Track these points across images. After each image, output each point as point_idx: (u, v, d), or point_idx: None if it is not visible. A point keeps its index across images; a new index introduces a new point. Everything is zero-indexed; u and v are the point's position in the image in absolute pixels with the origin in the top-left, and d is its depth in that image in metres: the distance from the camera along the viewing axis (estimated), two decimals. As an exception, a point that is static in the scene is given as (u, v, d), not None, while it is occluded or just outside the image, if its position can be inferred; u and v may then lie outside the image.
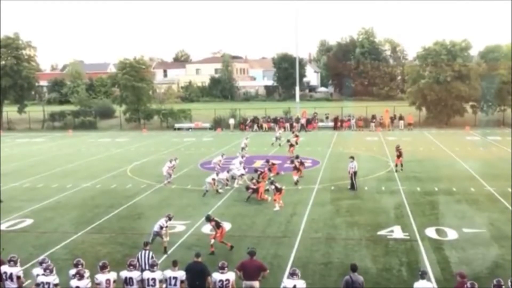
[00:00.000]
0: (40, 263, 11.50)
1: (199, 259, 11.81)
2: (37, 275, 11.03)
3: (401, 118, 51.99)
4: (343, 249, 15.90)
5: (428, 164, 30.45)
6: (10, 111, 61.52)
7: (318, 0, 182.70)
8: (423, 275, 10.89)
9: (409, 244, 16.17)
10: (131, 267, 11.20)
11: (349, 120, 53.32)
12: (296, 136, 39.90)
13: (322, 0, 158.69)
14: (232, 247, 15.71)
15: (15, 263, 11.37)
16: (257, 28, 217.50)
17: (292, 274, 10.75)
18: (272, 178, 23.03)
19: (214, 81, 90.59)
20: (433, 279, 13.10)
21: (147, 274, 11.13)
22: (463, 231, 17.25)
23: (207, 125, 55.62)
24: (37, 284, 10.84)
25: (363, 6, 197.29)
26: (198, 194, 23.41)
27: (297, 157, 28.16)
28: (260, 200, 21.77)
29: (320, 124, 54.35)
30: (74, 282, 10.65)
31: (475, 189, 23.67)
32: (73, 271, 11.00)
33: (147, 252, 12.37)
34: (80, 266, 11.10)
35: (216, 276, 11.09)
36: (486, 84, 51.57)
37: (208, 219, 15.88)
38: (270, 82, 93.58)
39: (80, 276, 10.63)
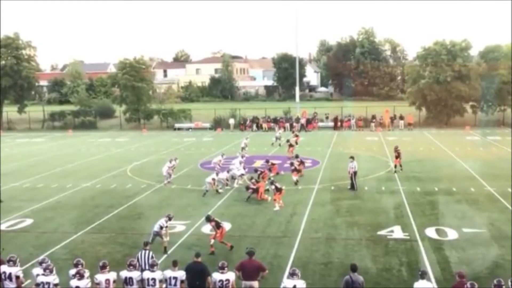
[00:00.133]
0: (40, 263, 11.50)
1: (199, 259, 11.81)
2: (37, 275, 11.03)
3: (401, 118, 51.99)
4: (343, 249, 15.89)
5: (428, 164, 30.45)
6: (10, 111, 61.53)
7: (318, 0, 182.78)
8: (423, 275, 10.89)
9: (409, 244, 16.17)
10: (131, 267, 11.20)
11: (349, 120, 53.32)
12: (296, 136, 39.93)
13: (322, 0, 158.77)
14: (232, 247, 15.71)
15: (14, 263, 11.36)
16: (257, 28, 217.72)
17: (292, 274, 10.74)
18: (272, 178, 23.03)
19: (214, 81, 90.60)
20: (433, 279, 13.10)
21: (147, 274, 11.13)
22: (463, 231, 17.25)
23: (207, 125, 55.63)
24: (37, 284, 10.83)
25: (363, 6, 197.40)
26: (198, 194, 23.41)
27: (296, 156, 28.18)
28: (260, 200, 21.77)
29: (320, 124, 54.35)
30: (74, 282, 10.65)
31: (475, 189, 23.67)
32: (73, 271, 11.00)
33: (147, 252, 12.37)
34: (80, 266, 11.09)
35: (216, 276, 11.09)
36: (486, 84, 51.58)
37: (208, 219, 15.88)
38: (270, 82, 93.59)
39: (80, 276, 10.63)
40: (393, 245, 16.13)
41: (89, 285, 10.72)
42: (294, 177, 25.10)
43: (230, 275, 11.15)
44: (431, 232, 17.26)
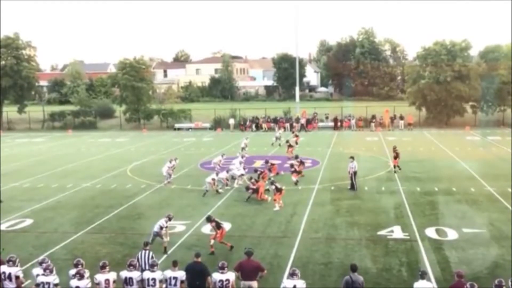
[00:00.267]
0: (40, 263, 11.49)
1: (199, 259, 11.81)
2: (37, 275, 11.03)
3: (401, 118, 51.99)
4: (343, 249, 15.89)
5: (428, 164, 30.45)
6: (10, 111, 61.51)
7: (318, 0, 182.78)
8: (423, 275, 10.89)
9: (409, 244, 16.17)
10: (131, 267, 11.20)
11: (349, 120, 53.32)
12: (296, 136, 39.94)
13: (322, 0, 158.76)
14: (232, 247, 15.71)
15: (14, 263, 11.36)
16: (257, 28, 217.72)
17: (292, 275, 10.74)
18: (272, 178, 23.03)
19: (214, 81, 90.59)
20: (433, 279, 13.10)
21: (147, 274, 11.13)
22: (463, 231, 17.25)
23: (207, 125, 55.62)
24: (37, 284, 10.84)
25: (363, 6, 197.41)
26: (198, 194, 23.41)
27: (296, 157, 28.16)
28: (260, 200, 21.77)
29: (320, 124, 54.34)
30: (74, 282, 10.65)
31: (475, 189, 23.67)
32: (73, 271, 11.00)
33: (147, 252, 12.37)
34: (80, 266, 11.10)
35: (216, 276, 11.09)
36: (486, 84, 51.58)
37: (209, 219, 15.89)
38: (270, 82, 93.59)
39: (80, 276, 10.63)
40: (393, 245, 16.13)
41: (89, 285, 10.72)
42: (294, 178, 25.09)
43: (230, 275, 11.15)
44: (431, 232, 17.26)
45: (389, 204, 21.16)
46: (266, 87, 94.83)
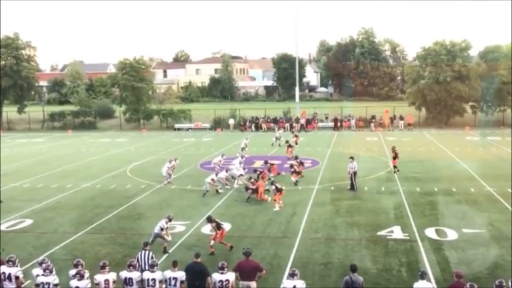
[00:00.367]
0: (40, 264, 11.50)
1: (199, 260, 11.82)
2: (37, 275, 11.03)
3: (401, 118, 51.98)
4: (343, 249, 15.89)
5: (428, 165, 30.44)
6: (10, 111, 61.50)
7: (318, 0, 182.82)
8: (423, 276, 10.90)
9: (409, 245, 16.17)
10: (131, 267, 11.20)
11: (349, 120, 53.32)
12: (296, 136, 39.94)
13: (322, 0, 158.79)
14: (231, 247, 15.71)
15: (14, 263, 11.37)
16: (257, 28, 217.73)
17: (292, 275, 10.74)
18: (272, 179, 23.03)
19: (214, 81, 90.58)
20: (432, 280, 13.10)
21: (147, 275, 11.13)
22: (462, 231, 17.25)
23: (207, 125, 55.61)
24: (37, 285, 10.84)
25: (363, 6, 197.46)
26: (198, 195, 23.41)
27: (296, 157, 28.15)
28: (260, 200, 21.76)
29: (320, 124, 54.34)
30: (74, 282, 10.65)
31: (475, 189, 23.67)
32: (73, 272, 11.00)
33: (147, 252, 12.37)
34: (80, 266, 11.10)
35: (216, 276, 11.09)
36: (486, 84, 51.57)
37: (209, 220, 15.89)
38: (270, 82, 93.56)
39: (81, 276, 10.63)
40: (393, 246, 16.13)
41: (89, 285, 10.72)
42: (294, 179, 25.09)
43: (230, 276, 11.16)
44: (431, 232, 17.26)
45: (389, 205, 21.16)
46: (266, 87, 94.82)
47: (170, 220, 15.99)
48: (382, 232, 17.39)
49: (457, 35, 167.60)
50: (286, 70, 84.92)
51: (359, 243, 16.44)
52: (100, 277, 10.91)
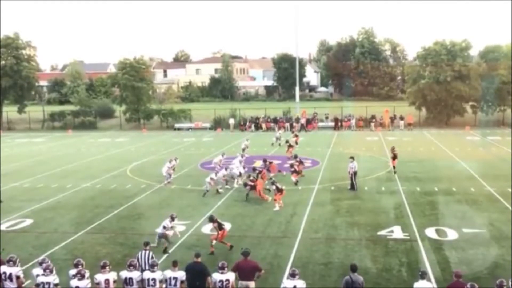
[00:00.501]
0: (40, 263, 11.50)
1: (199, 260, 11.82)
2: (37, 275, 11.03)
3: (401, 118, 51.97)
4: (343, 249, 15.89)
5: (428, 164, 30.44)
6: (10, 111, 61.51)
7: (318, 0, 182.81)
8: (423, 275, 10.90)
9: (409, 244, 16.17)
10: (131, 267, 11.20)
11: (349, 120, 53.31)
12: (296, 136, 39.92)
13: (322, 0, 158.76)
14: (231, 246, 15.71)
15: (14, 263, 11.37)
16: (257, 28, 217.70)
17: (292, 275, 10.74)
18: (273, 179, 22.99)
19: (214, 81, 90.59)
20: (433, 279, 13.11)
21: (147, 274, 11.13)
22: (463, 231, 17.24)
23: (207, 125, 55.62)
24: (37, 284, 10.84)
25: (363, 6, 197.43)
26: (198, 194, 23.42)
27: (295, 157, 28.13)
28: (260, 200, 21.73)
29: (320, 124, 54.34)
30: (74, 282, 10.65)
31: (475, 189, 23.67)
32: (73, 271, 11.00)
33: (147, 252, 12.37)
34: (80, 266, 11.10)
35: (216, 276, 11.09)
36: (486, 84, 51.58)
37: (211, 219, 15.89)
38: (270, 82, 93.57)
39: (81, 276, 10.63)
40: (393, 245, 16.13)
41: (89, 285, 10.72)
42: (294, 178, 25.09)
43: (230, 275, 11.16)
44: (431, 232, 17.26)
45: (389, 204, 21.16)
46: (266, 87, 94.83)
47: (173, 219, 16.05)
48: (382, 232, 17.39)
49: (457, 35, 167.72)
50: (286, 70, 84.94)
51: (359, 243, 16.43)
52: (100, 277, 10.91)
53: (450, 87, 51.02)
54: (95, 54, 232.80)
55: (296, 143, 37.16)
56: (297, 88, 61.84)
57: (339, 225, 18.38)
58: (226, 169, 24.95)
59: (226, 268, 11.14)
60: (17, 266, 11.46)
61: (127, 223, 19.30)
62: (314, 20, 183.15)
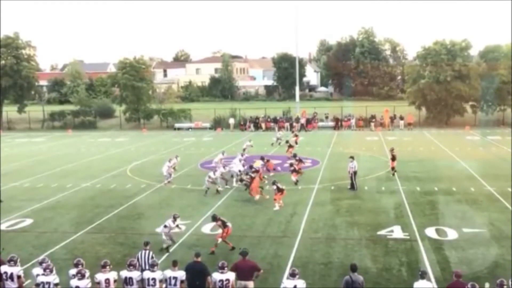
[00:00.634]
0: (40, 263, 11.49)
1: (199, 259, 11.82)
2: (37, 275, 11.03)
3: (401, 118, 51.97)
4: (343, 249, 15.89)
5: (428, 164, 30.44)
6: (10, 111, 61.52)
7: (318, 0, 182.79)
8: (423, 275, 10.89)
9: (409, 244, 16.17)
10: (131, 267, 11.20)
11: (349, 120, 53.31)
12: (296, 136, 39.92)
13: (322, 0, 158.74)
14: (233, 248, 15.67)
15: (15, 263, 11.37)
16: (257, 28, 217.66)
17: (292, 275, 10.74)
18: (274, 179, 22.96)
19: (214, 81, 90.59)
20: (433, 279, 13.11)
21: (147, 274, 11.13)
22: (463, 231, 17.25)
23: (207, 125, 55.62)
24: (37, 284, 10.84)
25: (363, 6, 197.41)
26: (198, 194, 23.42)
27: (294, 155, 28.11)
28: (259, 200, 21.72)
29: (320, 124, 54.33)
30: (74, 282, 10.65)
31: (475, 189, 23.67)
32: (73, 271, 11.00)
33: (147, 252, 12.37)
34: (80, 266, 11.10)
35: (216, 276, 11.09)
36: (486, 84, 51.59)
37: (214, 218, 15.90)
38: (270, 82, 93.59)
39: (82, 276, 10.63)
40: (393, 245, 16.13)
41: (89, 285, 10.72)
42: (294, 178, 25.08)
43: (230, 275, 11.15)
44: (431, 232, 17.26)
45: (389, 204, 21.16)
46: (266, 87, 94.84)
47: (175, 219, 16.05)
48: (382, 232, 17.39)
49: (457, 34, 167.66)
50: (286, 70, 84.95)
51: (359, 243, 16.44)
52: (101, 276, 10.91)
53: (450, 87, 51.01)
54: (95, 54, 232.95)
55: (296, 142, 37.16)
56: (297, 88, 61.84)
57: (339, 225, 18.38)
58: (224, 167, 24.94)
59: (226, 268, 11.13)
60: (18, 265, 11.46)
61: (127, 223, 19.30)
62: (314, 20, 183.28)
